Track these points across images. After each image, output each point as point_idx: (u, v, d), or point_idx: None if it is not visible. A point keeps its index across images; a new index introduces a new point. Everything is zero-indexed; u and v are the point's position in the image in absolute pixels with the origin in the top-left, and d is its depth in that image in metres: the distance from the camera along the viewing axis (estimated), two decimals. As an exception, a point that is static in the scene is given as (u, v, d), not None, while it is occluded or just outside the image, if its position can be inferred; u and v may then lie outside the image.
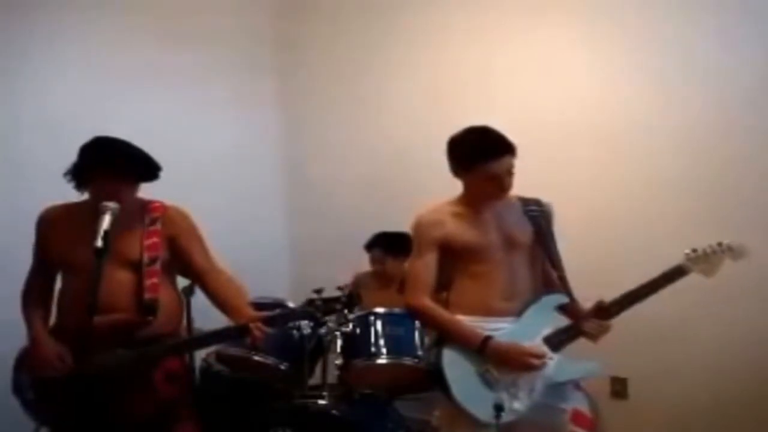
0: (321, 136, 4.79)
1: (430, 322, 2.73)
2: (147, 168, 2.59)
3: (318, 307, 2.77)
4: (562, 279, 2.69)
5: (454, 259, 2.66)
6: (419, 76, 4.39)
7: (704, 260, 2.56)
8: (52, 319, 2.71)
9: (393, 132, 4.43)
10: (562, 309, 2.69)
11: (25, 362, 2.67)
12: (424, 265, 2.64)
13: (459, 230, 2.63)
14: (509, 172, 2.60)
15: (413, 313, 2.72)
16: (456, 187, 2.73)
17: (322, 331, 3.23)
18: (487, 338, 2.52)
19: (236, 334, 2.64)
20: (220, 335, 2.74)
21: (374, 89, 4.56)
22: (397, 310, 3.23)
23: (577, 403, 2.60)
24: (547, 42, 4.00)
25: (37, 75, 3.69)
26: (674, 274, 2.57)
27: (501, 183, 2.60)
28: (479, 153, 2.58)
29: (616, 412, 3.76)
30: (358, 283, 4.03)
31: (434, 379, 2.59)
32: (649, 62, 3.73)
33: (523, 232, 2.66)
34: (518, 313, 2.62)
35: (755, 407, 3.45)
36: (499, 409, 2.36)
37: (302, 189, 4.84)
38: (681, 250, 2.60)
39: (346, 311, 3.10)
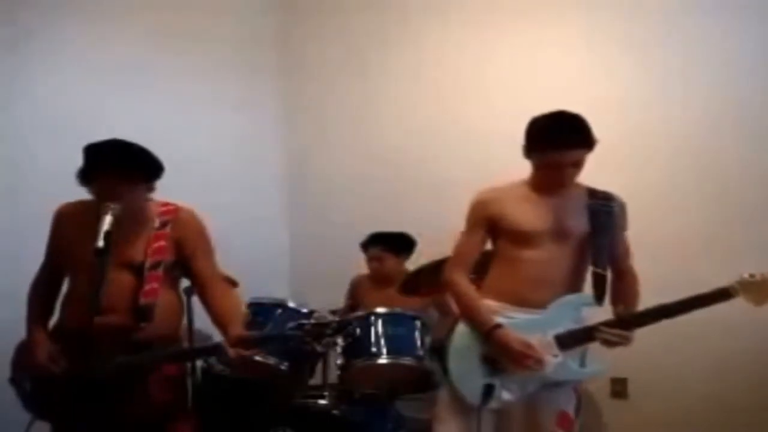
0: (321, 136, 4.79)
1: (453, 298, 2.67)
2: (149, 168, 2.55)
3: (308, 332, 2.77)
4: (599, 277, 2.53)
5: (499, 239, 2.60)
6: (419, 76, 4.39)
7: (757, 288, 2.31)
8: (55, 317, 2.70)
9: (394, 132, 4.43)
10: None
11: (21, 358, 2.65)
12: (469, 241, 2.62)
13: (513, 211, 2.56)
14: (574, 165, 2.49)
15: (445, 284, 2.68)
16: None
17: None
18: (496, 326, 2.46)
19: (213, 352, 2.62)
20: (195, 352, 2.72)
21: (375, 89, 4.57)
22: (398, 309, 3.23)
23: (566, 405, 2.55)
24: (546, 42, 4.01)
25: (37, 75, 3.69)
26: (718, 296, 2.34)
27: (560, 174, 2.51)
28: (542, 140, 2.49)
29: (616, 412, 3.77)
30: (356, 285, 4.02)
31: (437, 352, 2.58)
32: (648, 62, 3.74)
33: (576, 225, 2.54)
34: (547, 306, 2.52)
35: (755, 408, 3.45)
36: (488, 391, 2.34)
37: (302, 189, 4.84)
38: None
39: (336, 337, 3.10)
